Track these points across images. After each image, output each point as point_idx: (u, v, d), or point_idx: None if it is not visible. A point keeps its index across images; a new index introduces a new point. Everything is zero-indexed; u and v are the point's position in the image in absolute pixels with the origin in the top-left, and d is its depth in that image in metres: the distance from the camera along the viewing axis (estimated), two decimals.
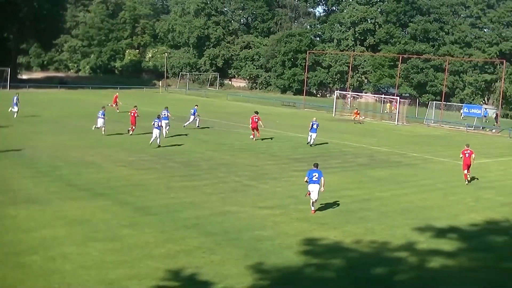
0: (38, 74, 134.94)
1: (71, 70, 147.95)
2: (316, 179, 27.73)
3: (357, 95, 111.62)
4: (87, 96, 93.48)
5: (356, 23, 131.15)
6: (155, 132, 44.98)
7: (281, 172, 38.24)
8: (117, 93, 74.86)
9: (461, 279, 20.67)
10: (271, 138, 55.35)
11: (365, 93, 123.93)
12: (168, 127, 51.89)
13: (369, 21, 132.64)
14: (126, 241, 21.97)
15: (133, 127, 51.21)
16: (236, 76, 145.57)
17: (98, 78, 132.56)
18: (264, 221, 25.81)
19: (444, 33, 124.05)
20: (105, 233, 22.76)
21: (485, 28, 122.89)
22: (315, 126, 51.65)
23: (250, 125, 53.66)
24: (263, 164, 40.68)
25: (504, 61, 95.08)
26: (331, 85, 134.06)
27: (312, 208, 28.01)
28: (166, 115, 52.51)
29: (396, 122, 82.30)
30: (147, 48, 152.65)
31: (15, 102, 59.06)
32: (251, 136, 53.30)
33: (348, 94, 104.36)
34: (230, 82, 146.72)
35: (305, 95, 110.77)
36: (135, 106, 53.24)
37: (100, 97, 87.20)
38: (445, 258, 22.58)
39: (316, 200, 28.01)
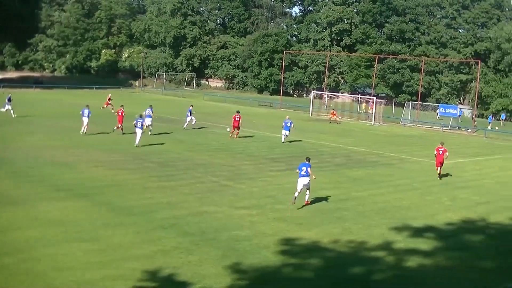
0: (12, 74, 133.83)
1: (47, 70, 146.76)
2: (305, 173, 29.13)
3: (334, 95, 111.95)
4: (63, 96, 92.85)
5: (332, 23, 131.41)
6: (139, 132, 45.33)
7: (258, 172, 38.25)
8: (110, 94, 74.18)
9: (438, 278, 20.78)
10: (252, 136, 56.47)
11: (342, 93, 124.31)
12: (151, 125, 52.78)
13: (345, 21, 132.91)
14: (104, 242, 21.87)
15: (119, 125, 51.48)
16: (213, 76, 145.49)
17: (74, 78, 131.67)
18: (241, 221, 25.81)
19: (420, 34, 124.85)
20: (84, 234, 22.63)
21: (460, 28, 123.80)
22: (288, 124, 53.63)
23: (232, 124, 54.64)
24: (240, 164, 40.66)
25: (479, 62, 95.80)
26: (307, 85, 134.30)
27: (294, 196, 29.19)
28: (150, 114, 53.47)
29: (372, 122, 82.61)
30: (123, 48, 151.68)
31: (7, 101, 59.82)
32: (233, 135, 54.49)
33: (325, 94, 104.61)
34: (206, 82, 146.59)
35: (282, 95, 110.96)
36: (122, 106, 53.53)
37: (76, 97, 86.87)
38: (422, 257, 22.70)
39: (307, 191, 29.61)
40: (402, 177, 40.72)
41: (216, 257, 20.99)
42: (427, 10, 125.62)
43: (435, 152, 40.95)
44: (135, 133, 45.74)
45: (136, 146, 44.93)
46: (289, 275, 20.05)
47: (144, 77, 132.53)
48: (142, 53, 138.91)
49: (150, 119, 52.92)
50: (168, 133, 53.62)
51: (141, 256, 20.62)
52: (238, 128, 54.77)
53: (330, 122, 78.20)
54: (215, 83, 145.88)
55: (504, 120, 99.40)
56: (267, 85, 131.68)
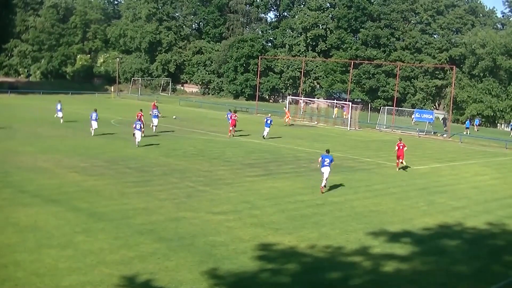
0: None
1: (22, 75, 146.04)
2: (327, 163, 34.78)
3: (310, 100, 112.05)
4: (38, 101, 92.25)
5: (307, 28, 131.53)
6: (138, 134, 48.43)
7: (235, 177, 38.20)
8: (155, 100, 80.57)
9: (415, 283, 20.85)
10: (248, 135, 61.39)
11: (318, 98, 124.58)
12: (156, 125, 60.06)
13: (321, 27, 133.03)
14: (80, 247, 21.72)
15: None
16: (189, 81, 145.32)
17: (49, 84, 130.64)
18: (218, 227, 25.75)
19: (395, 39, 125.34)
20: (58, 239, 22.48)
21: (435, 34, 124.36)
22: (269, 122, 61.39)
23: (230, 123, 61.32)
24: (216, 170, 40.58)
25: (454, 67, 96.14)
26: (283, 90, 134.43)
27: (322, 185, 34.99)
28: (157, 114, 61.13)
29: (348, 127, 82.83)
30: (98, 53, 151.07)
31: (59, 108, 62.70)
32: (229, 134, 60.69)
33: (301, 99, 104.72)
34: (182, 88, 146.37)
35: (258, 100, 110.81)
36: (141, 110, 57.68)
37: (51, 103, 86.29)
38: (399, 262, 22.77)
39: (326, 179, 34.93)
40: (378, 182, 40.87)
41: (193, 263, 20.92)
42: (402, 15, 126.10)
43: (396, 148, 46.95)
44: (134, 135, 49.31)
45: (138, 146, 48.20)
46: (266, 280, 20.02)
47: (119, 83, 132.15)
48: (118, 58, 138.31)
49: (157, 119, 60.47)
50: (143, 139, 53.34)
51: (118, 261, 20.51)
52: (235, 126, 61.16)
53: (291, 124, 79.52)
54: (190, 88, 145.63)
55: (478, 125, 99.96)
56: (243, 90, 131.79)
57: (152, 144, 50.52)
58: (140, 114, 54.71)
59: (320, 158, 35.53)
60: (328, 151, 35.99)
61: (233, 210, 29.15)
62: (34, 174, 34.60)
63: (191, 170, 39.72)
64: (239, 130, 63.85)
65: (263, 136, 60.57)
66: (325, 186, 35.23)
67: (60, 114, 62.47)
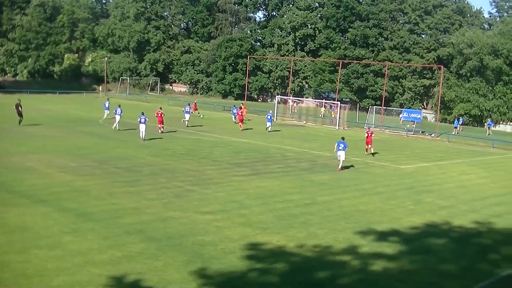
0: None
1: (8, 74, 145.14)
2: (342, 148, 43.33)
3: (298, 100, 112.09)
4: (26, 101, 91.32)
5: (296, 28, 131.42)
6: (141, 127, 52.37)
7: (223, 177, 38.25)
8: (196, 101, 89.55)
9: (403, 282, 20.96)
10: (252, 129, 67.92)
11: (306, 98, 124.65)
12: (187, 120, 68.01)
13: (309, 27, 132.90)
14: (68, 247, 21.73)
15: (162, 125, 59.10)
16: (177, 81, 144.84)
17: (36, 83, 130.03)
18: (207, 226, 25.80)
19: (383, 39, 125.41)
20: (47, 240, 22.47)
21: (423, 34, 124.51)
22: (269, 117, 69.68)
23: (238, 118, 70.33)
24: (204, 169, 40.62)
25: (442, 67, 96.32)
26: (272, 90, 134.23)
27: (339, 167, 43.66)
28: (188, 110, 68.95)
29: (337, 127, 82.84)
30: (86, 52, 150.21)
31: (107, 106, 67.80)
32: (240, 128, 68.31)
33: (289, 99, 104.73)
34: (171, 87, 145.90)
35: (246, 100, 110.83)
36: (160, 108, 62.46)
37: (39, 102, 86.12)
38: (387, 261, 22.87)
39: (343, 161, 43.70)
40: (367, 181, 40.96)
41: (182, 263, 20.97)
42: (390, 15, 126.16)
43: (365, 134, 54.81)
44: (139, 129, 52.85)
45: (143, 140, 52.17)
46: (255, 280, 20.08)
47: (107, 82, 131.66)
48: (106, 58, 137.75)
49: (188, 115, 68.19)
50: (131, 138, 53.33)
51: (106, 261, 20.54)
52: (242, 121, 69.06)
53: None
54: (179, 88, 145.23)
55: (461, 125, 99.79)
56: (232, 90, 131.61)
57: (140, 144, 50.68)
58: (160, 112, 58.68)
59: (336, 144, 43.95)
60: (343, 138, 44.61)
61: (222, 209, 29.21)
62: (23, 174, 34.57)
63: (179, 170, 39.77)
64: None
65: (268, 130, 68.37)
66: (341, 168, 43.69)
67: (107, 112, 67.27)
